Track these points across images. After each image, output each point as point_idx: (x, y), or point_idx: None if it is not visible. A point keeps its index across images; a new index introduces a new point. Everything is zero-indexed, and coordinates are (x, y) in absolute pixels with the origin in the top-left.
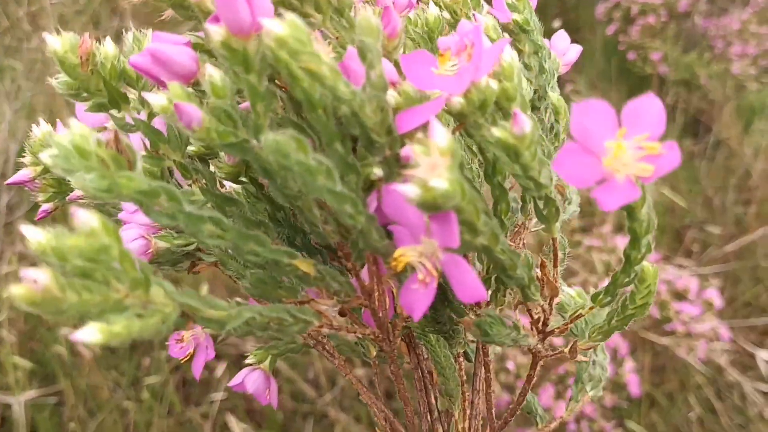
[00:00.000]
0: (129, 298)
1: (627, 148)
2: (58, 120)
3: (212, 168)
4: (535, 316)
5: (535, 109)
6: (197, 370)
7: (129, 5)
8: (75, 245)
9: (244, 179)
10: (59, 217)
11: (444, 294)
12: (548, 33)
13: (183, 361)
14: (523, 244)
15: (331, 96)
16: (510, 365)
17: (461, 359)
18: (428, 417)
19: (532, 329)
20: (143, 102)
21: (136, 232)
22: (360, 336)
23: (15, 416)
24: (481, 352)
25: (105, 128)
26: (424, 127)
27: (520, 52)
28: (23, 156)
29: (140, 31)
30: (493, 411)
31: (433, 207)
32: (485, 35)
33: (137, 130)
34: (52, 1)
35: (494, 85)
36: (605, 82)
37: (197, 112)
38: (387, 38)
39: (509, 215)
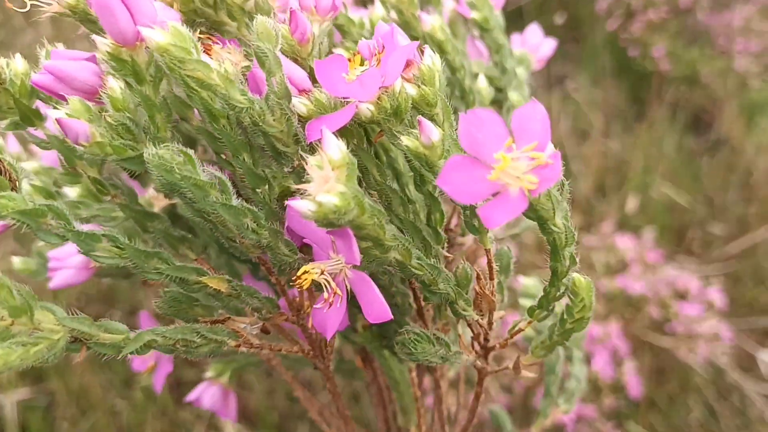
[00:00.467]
0: (15, 326)
1: (516, 159)
2: None
3: None
4: (476, 331)
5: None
6: (159, 383)
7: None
8: None
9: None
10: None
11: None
12: (548, 28)
13: (144, 374)
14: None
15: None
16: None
17: (413, 374)
18: None
19: (473, 345)
20: None
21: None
22: (286, 354)
23: (6, 416)
24: (436, 367)
25: None
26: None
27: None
28: None
29: (54, 45)
30: (446, 428)
31: (328, 223)
32: (434, 37)
33: (52, 147)
34: None
35: (411, 90)
36: (606, 79)
37: (83, 126)
38: (298, 44)
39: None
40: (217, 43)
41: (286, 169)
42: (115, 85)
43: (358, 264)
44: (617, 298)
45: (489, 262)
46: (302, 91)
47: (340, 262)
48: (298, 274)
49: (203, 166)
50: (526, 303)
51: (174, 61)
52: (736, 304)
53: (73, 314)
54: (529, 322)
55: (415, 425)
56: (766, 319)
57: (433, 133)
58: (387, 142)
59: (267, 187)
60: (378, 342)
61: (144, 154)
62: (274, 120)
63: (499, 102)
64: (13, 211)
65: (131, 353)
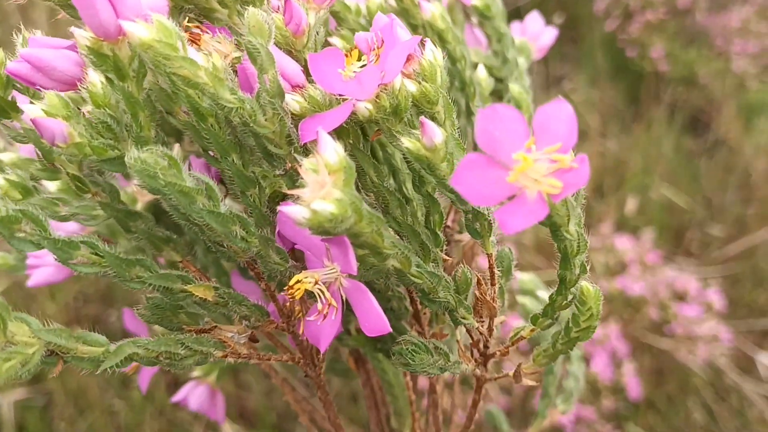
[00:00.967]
0: None
1: (536, 161)
2: None
3: None
4: (475, 338)
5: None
6: (144, 383)
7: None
8: None
9: None
10: None
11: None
12: None
13: (130, 374)
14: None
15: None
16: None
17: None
18: None
19: (472, 353)
20: None
21: None
22: (276, 363)
23: (3, 416)
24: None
25: None
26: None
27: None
28: None
29: (32, 32)
30: None
31: (323, 231)
32: (435, 25)
33: (29, 141)
34: None
35: (412, 87)
36: (604, 79)
37: (60, 126)
38: (293, 35)
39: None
40: (207, 32)
41: (277, 172)
42: (96, 79)
43: (355, 273)
44: (616, 299)
45: (491, 267)
46: (296, 87)
47: (335, 270)
48: (290, 283)
49: (189, 169)
50: (525, 301)
51: (158, 58)
52: (735, 306)
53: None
54: (532, 330)
55: (409, 429)
56: (765, 321)
57: (436, 134)
58: (384, 138)
59: (257, 189)
60: (372, 345)
61: (125, 159)
62: (265, 120)
63: (498, 92)
64: None
65: (112, 367)
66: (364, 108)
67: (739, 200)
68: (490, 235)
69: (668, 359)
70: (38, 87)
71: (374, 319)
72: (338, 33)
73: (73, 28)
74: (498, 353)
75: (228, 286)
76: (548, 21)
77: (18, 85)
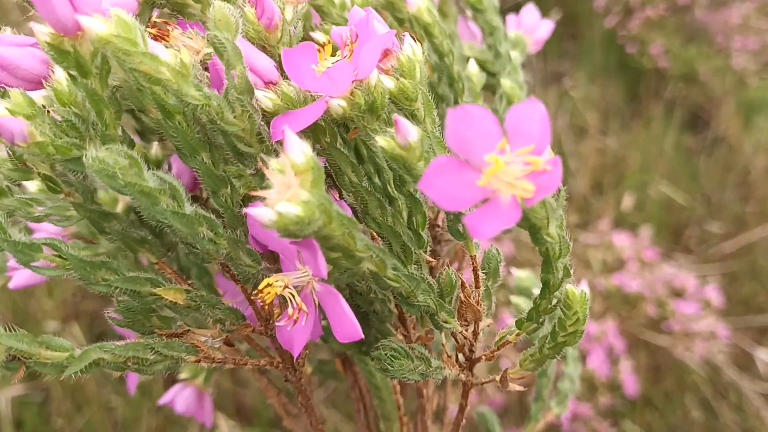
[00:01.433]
0: None
1: (509, 163)
2: None
3: None
4: (460, 342)
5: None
6: (132, 385)
7: None
8: None
9: None
10: None
11: (365, 313)
12: None
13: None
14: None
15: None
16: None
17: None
18: None
19: (456, 358)
20: None
21: None
22: (253, 367)
23: (1, 412)
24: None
25: None
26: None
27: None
28: None
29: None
30: None
31: (289, 234)
32: (421, 19)
33: None
34: None
35: (389, 83)
36: (603, 76)
37: (19, 125)
38: (265, 30)
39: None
40: (176, 28)
41: (249, 171)
42: (61, 77)
43: (325, 277)
44: (614, 296)
45: (475, 270)
46: (269, 84)
47: (306, 274)
48: (260, 287)
49: (170, 168)
50: (519, 302)
51: (118, 54)
52: (732, 303)
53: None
54: (518, 335)
55: None
56: (763, 318)
57: (410, 133)
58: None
59: (229, 189)
60: (358, 348)
61: (83, 158)
62: (234, 117)
63: (492, 87)
64: None
65: (77, 373)
66: (338, 105)
67: (738, 198)
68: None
69: (666, 356)
70: (2, 86)
71: (346, 325)
72: (321, 28)
73: (32, 24)
74: (483, 357)
75: (210, 288)
76: (546, 17)
77: None
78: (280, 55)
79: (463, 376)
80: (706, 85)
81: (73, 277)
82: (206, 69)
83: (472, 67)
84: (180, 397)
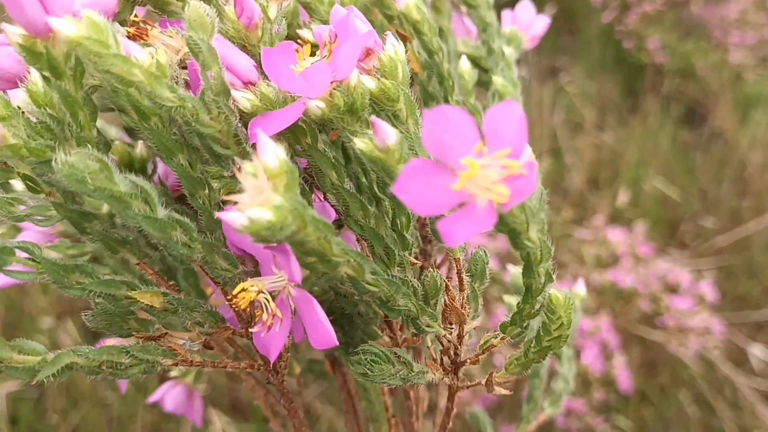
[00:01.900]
0: None
1: (485, 167)
2: None
3: None
4: (445, 345)
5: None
6: (122, 384)
7: None
8: None
9: None
10: None
11: (351, 315)
12: None
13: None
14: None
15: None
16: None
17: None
18: None
19: (441, 361)
20: None
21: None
22: (233, 370)
23: None
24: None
25: None
26: (284, 139)
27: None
28: None
29: None
30: None
31: (261, 239)
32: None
33: None
34: None
35: (370, 83)
36: (600, 71)
37: None
38: (245, 29)
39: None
40: (155, 27)
41: (226, 173)
42: (37, 78)
43: (299, 282)
44: (608, 291)
45: (458, 273)
46: (248, 84)
47: (282, 278)
48: (234, 292)
49: (154, 169)
50: (512, 300)
51: (89, 56)
52: (728, 298)
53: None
54: (502, 338)
55: None
56: (758, 313)
57: (388, 135)
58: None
59: (207, 191)
60: (345, 350)
61: (53, 163)
62: (210, 119)
63: (486, 83)
64: None
65: (49, 377)
66: (316, 107)
67: (734, 193)
68: None
69: (660, 351)
70: None
71: (321, 332)
72: (309, 26)
73: (3, 25)
74: (468, 361)
75: (197, 288)
76: (542, 11)
77: None
78: (260, 55)
79: (447, 380)
80: (703, 80)
81: (47, 280)
82: (186, 68)
83: (464, 64)
84: (169, 396)
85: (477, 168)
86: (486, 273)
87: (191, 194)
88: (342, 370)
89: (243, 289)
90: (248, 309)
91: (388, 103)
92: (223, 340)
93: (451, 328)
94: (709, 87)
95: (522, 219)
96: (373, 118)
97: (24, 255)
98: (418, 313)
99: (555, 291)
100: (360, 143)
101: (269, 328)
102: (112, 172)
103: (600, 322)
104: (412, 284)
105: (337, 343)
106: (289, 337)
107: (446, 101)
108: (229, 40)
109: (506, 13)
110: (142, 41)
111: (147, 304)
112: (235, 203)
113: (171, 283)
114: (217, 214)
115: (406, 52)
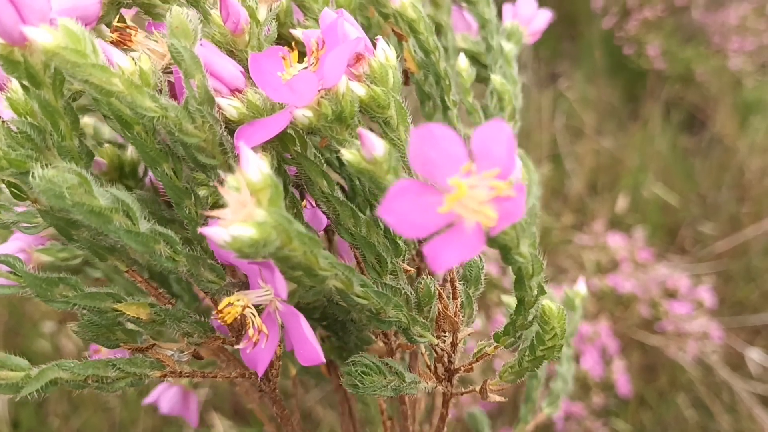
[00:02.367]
0: None
1: (473, 187)
2: None
3: None
4: (438, 353)
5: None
6: None
7: None
8: None
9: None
10: None
11: (344, 320)
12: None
13: None
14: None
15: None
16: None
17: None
18: None
19: (435, 369)
20: None
21: (17, 246)
22: (224, 380)
23: None
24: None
25: None
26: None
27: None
28: None
29: None
30: None
31: (245, 255)
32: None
33: None
34: None
35: (360, 90)
36: (600, 77)
37: None
38: (232, 34)
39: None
40: (138, 32)
41: (212, 184)
42: (17, 86)
43: (285, 298)
44: (607, 296)
45: (452, 281)
46: (234, 91)
47: (269, 292)
48: (220, 307)
49: (144, 176)
50: (510, 301)
51: (66, 66)
52: (726, 303)
53: None
54: (496, 347)
55: None
56: (756, 317)
57: (375, 146)
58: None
59: (193, 200)
60: (339, 353)
61: (29, 177)
62: (194, 128)
63: (486, 79)
64: None
65: (34, 392)
66: (303, 116)
67: (733, 198)
68: None
69: (659, 356)
70: None
71: (307, 349)
72: (303, 25)
73: None
74: (462, 369)
75: (189, 292)
76: None
77: None
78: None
79: (441, 388)
80: (702, 86)
81: (30, 294)
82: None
83: (462, 62)
84: (164, 397)
85: (465, 189)
86: (481, 279)
87: (177, 204)
88: (338, 373)
89: (229, 304)
90: (237, 319)
91: (379, 111)
92: (214, 348)
93: (445, 336)
94: (709, 93)
95: (512, 235)
96: (360, 129)
97: (5, 268)
98: (409, 323)
99: (549, 302)
100: (347, 154)
101: (255, 344)
102: (92, 186)
103: (599, 326)
104: (405, 292)
105: (324, 360)
106: (280, 345)
107: (443, 101)
108: (216, 44)
109: (507, 8)
110: (125, 47)
111: (133, 316)
112: (219, 218)
113: (161, 290)
114: (200, 230)
115: (402, 52)
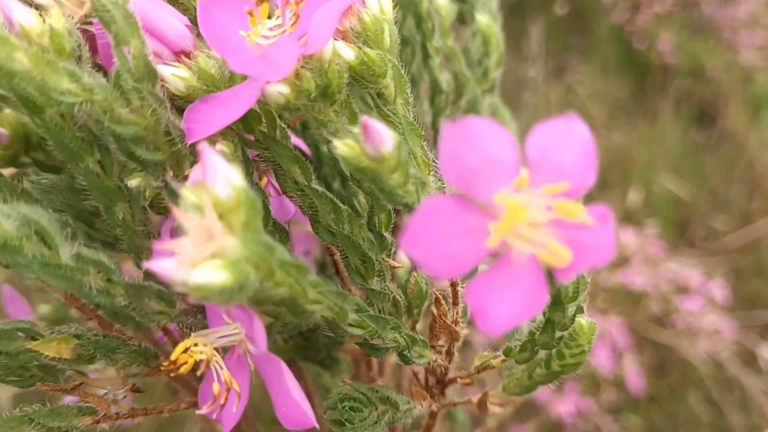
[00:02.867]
0: None
1: (532, 208)
2: None
3: None
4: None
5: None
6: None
7: None
8: None
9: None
10: None
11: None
12: (551, 20)
13: None
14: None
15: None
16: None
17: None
18: None
19: (427, 381)
20: None
21: None
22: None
23: (2, 409)
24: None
25: None
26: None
27: None
28: None
29: None
30: None
31: (214, 303)
32: None
33: None
34: None
35: (349, 53)
36: (610, 71)
37: None
38: None
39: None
40: None
41: (154, 183)
42: None
43: (263, 350)
44: (618, 292)
45: (453, 285)
46: (180, 54)
47: (238, 332)
48: (173, 356)
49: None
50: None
51: None
52: (738, 299)
53: None
54: (503, 360)
55: None
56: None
57: (385, 140)
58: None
59: (128, 203)
60: (302, 354)
61: None
62: (130, 112)
63: (461, 17)
64: None
65: None
66: (278, 94)
67: (744, 193)
68: None
69: (670, 352)
70: None
71: (291, 407)
72: None
73: None
74: (459, 381)
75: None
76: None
77: None
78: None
79: (435, 407)
80: (713, 80)
81: None
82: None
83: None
84: None
85: (522, 213)
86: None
87: (107, 209)
88: (297, 365)
89: (185, 350)
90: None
91: (372, 80)
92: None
93: (441, 347)
94: (719, 88)
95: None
96: (366, 120)
97: None
98: (408, 344)
99: (580, 319)
100: (343, 148)
101: (223, 405)
102: None
103: (610, 322)
104: (393, 296)
105: (316, 424)
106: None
107: (423, 48)
108: None
109: None
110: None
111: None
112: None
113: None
114: (146, 265)
115: None
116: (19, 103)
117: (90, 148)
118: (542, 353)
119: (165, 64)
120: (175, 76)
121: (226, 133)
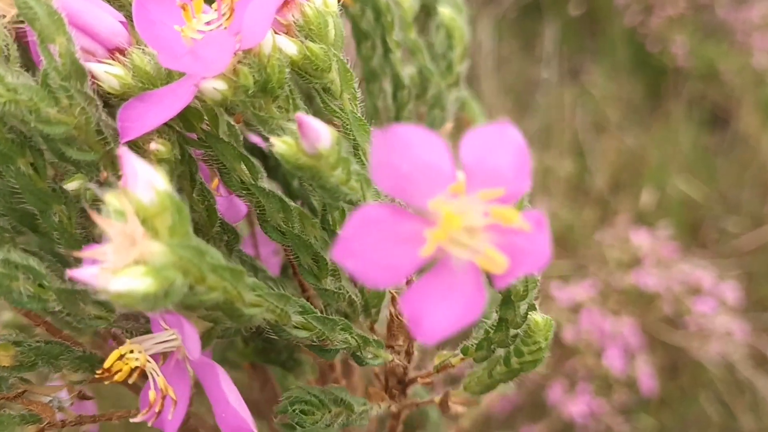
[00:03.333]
0: None
1: (468, 213)
2: None
3: None
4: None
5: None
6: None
7: None
8: None
9: None
10: None
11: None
12: (565, 21)
13: None
14: None
15: None
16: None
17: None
18: None
19: (387, 382)
20: None
21: None
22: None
23: None
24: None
25: None
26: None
27: None
28: None
29: None
30: None
31: (138, 309)
32: None
33: None
34: None
35: (291, 47)
36: (623, 73)
37: None
38: None
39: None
40: None
41: (87, 185)
42: None
43: (196, 358)
44: (630, 293)
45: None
46: (114, 51)
47: (175, 338)
48: (107, 363)
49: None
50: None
51: None
52: (750, 301)
53: None
54: (462, 359)
55: None
56: None
57: (321, 137)
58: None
59: (64, 206)
60: (263, 357)
61: None
62: (58, 112)
63: (427, 9)
64: None
65: None
66: (213, 90)
67: (756, 196)
68: None
69: (682, 354)
70: None
71: (230, 415)
72: None
73: None
74: (419, 380)
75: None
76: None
77: None
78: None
79: (395, 408)
80: (725, 83)
81: None
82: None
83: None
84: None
85: (457, 221)
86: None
87: (41, 212)
88: (264, 368)
89: (120, 356)
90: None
91: (316, 75)
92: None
93: (399, 346)
94: (732, 91)
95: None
96: (300, 116)
97: None
98: (360, 346)
99: (535, 315)
100: (280, 146)
101: (159, 412)
102: None
103: (622, 323)
104: (349, 295)
105: (254, 429)
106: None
107: (383, 42)
108: None
109: None
110: None
111: None
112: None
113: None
114: (70, 273)
115: None
116: None
117: (21, 149)
118: (501, 351)
119: (98, 62)
120: (109, 73)
121: (164, 131)
